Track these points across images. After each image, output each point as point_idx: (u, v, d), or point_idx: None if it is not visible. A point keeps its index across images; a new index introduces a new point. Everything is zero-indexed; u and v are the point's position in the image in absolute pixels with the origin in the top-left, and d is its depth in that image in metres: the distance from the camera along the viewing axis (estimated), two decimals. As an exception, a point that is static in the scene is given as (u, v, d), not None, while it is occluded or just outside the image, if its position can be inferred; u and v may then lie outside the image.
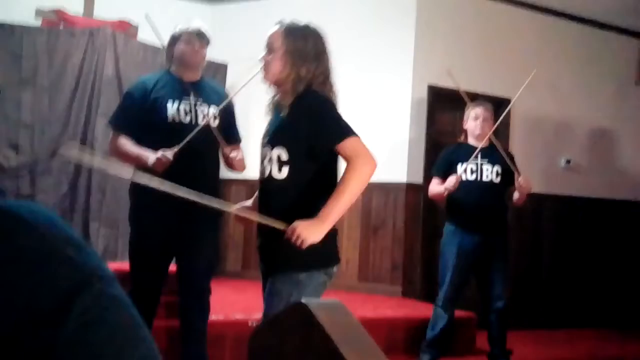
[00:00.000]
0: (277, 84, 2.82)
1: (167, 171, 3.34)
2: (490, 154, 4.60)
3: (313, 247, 2.53)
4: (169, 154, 3.40)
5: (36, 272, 0.54)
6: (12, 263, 0.53)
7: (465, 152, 4.58)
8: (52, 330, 0.53)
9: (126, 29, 6.18)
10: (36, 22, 6.06)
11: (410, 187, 6.05)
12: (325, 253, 2.67)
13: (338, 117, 2.74)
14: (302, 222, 2.52)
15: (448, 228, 4.64)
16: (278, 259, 2.70)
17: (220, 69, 6.40)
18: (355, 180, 2.61)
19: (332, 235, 2.66)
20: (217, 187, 3.79)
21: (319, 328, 0.89)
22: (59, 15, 6.09)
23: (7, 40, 5.73)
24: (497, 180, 4.58)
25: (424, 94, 6.13)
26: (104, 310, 0.57)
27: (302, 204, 2.63)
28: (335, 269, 2.72)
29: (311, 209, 2.56)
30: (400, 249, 6.04)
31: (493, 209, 4.57)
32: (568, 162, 6.86)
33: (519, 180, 4.51)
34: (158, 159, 3.40)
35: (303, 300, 0.95)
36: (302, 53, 2.82)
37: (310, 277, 2.63)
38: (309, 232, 2.50)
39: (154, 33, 3.86)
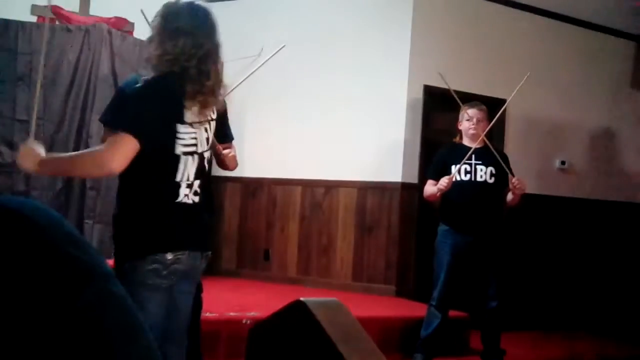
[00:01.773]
0: None
1: None
2: (485, 154, 4.61)
3: (133, 236, 2.56)
4: None
5: (38, 270, 0.54)
6: (14, 261, 0.53)
7: (459, 153, 4.59)
8: (55, 327, 0.53)
9: (122, 26, 6.17)
10: (32, 19, 6.05)
11: (405, 187, 6.06)
12: (148, 239, 2.57)
13: (115, 105, 2.65)
14: (27, 149, 2.63)
15: (442, 228, 4.65)
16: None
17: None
18: (83, 160, 2.63)
19: (151, 221, 2.58)
20: (209, 184, 3.79)
21: (318, 327, 0.89)
22: (55, 12, 6.07)
23: (3, 37, 5.72)
24: (492, 181, 4.59)
25: (419, 94, 6.13)
26: (105, 307, 0.57)
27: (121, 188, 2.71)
28: (170, 255, 2.55)
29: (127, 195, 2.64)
30: (395, 249, 6.05)
31: (487, 210, 4.58)
32: (563, 163, 6.88)
33: (513, 182, 4.52)
34: None
35: (302, 299, 0.95)
36: (156, 31, 2.67)
37: (134, 268, 2.53)
38: (24, 160, 2.61)
39: (150, 28, 3.85)
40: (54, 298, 0.54)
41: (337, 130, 6.29)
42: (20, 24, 5.80)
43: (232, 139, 3.85)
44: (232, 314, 4.51)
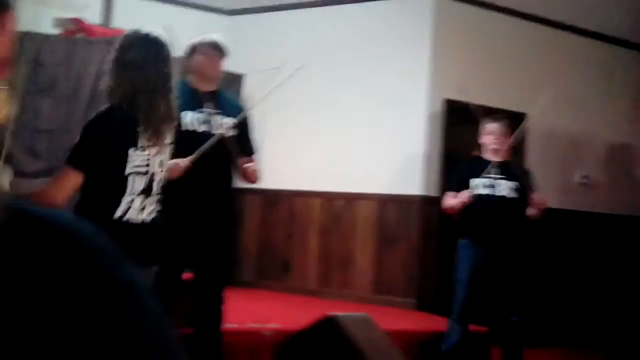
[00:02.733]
0: None
1: (182, 179, 3.36)
2: (506, 169, 4.59)
3: None
4: (184, 162, 3.41)
5: (76, 285, 0.54)
6: (49, 275, 0.54)
7: (480, 167, 4.58)
8: (94, 342, 0.54)
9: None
10: (55, 31, 6.11)
11: (425, 200, 6.04)
12: None
13: (75, 143, 2.84)
14: None
15: (462, 242, 4.63)
16: None
17: (236, 80, 6.42)
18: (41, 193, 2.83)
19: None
20: (232, 197, 3.82)
21: (349, 342, 0.89)
22: (77, 25, 6.13)
23: (26, 48, 5.78)
24: (513, 195, 4.56)
25: (440, 107, 6.13)
26: (141, 321, 0.57)
27: None
28: None
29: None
30: (415, 262, 6.03)
31: (507, 224, 4.55)
32: (583, 177, 6.83)
33: (534, 197, 4.50)
34: (174, 166, 3.42)
35: (332, 314, 0.95)
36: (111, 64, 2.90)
37: None
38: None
39: (173, 44, 3.89)
40: (93, 313, 0.54)
41: (357, 142, 6.29)
42: (44, 36, 5.86)
43: (254, 152, 3.87)
44: (252, 325, 4.51)
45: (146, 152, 2.87)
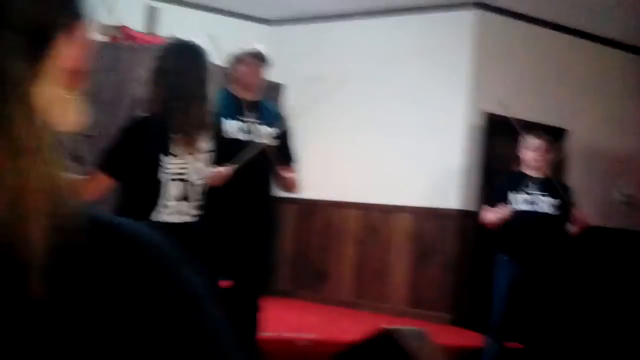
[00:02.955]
0: None
1: (222, 187, 3.39)
2: (547, 185, 4.55)
3: None
4: (226, 170, 3.44)
5: (148, 294, 0.55)
6: (125, 287, 0.55)
7: (520, 182, 4.54)
8: (166, 352, 0.55)
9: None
10: (100, 38, 6.20)
11: (463, 214, 6.00)
12: None
13: (107, 147, 2.94)
14: None
15: (500, 257, 4.60)
16: None
17: (277, 90, 6.46)
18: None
19: None
20: (271, 206, 3.84)
21: (406, 357, 0.89)
22: (122, 32, 6.23)
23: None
24: (553, 212, 4.51)
25: (479, 120, 6.10)
26: (210, 330, 0.58)
27: None
28: None
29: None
30: (451, 276, 5.99)
31: (547, 241, 4.51)
32: (625, 194, 6.73)
33: (576, 214, 4.45)
34: (216, 174, 3.46)
35: (388, 328, 0.95)
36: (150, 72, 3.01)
37: None
38: None
39: (216, 53, 3.93)
40: (164, 322, 0.55)
41: (395, 154, 6.29)
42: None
43: (293, 161, 3.89)
44: (287, 334, 4.52)
45: (180, 159, 2.92)
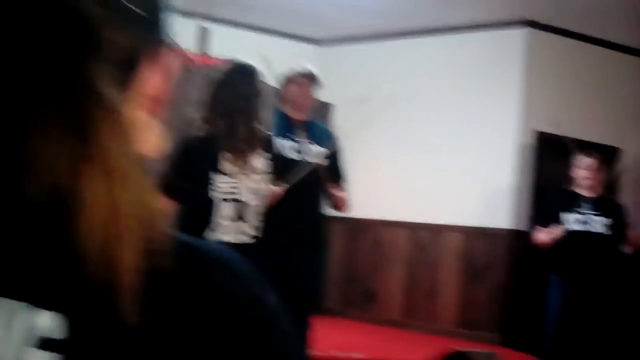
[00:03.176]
0: None
1: (274, 206, 3.42)
2: (600, 205, 4.48)
3: None
4: (278, 189, 3.48)
5: (234, 312, 0.57)
6: (213, 309, 0.56)
7: (572, 201, 4.48)
8: None
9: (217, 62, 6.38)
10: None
11: (514, 234, 5.95)
12: None
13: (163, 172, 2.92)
14: None
15: (552, 278, 4.53)
16: None
17: (326, 109, 6.51)
18: None
19: None
20: (321, 225, 3.86)
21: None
22: (177, 53, 6.33)
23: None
24: (606, 232, 4.44)
25: (530, 139, 6.05)
26: (288, 347, 0.60)
27: None
28: None
29: None
30: (502, 297, 5.93)
31: (601, 262, 4.43)
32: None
33: (631, 234, 4.37)
34: (267, 194, 3.49)
35: (461, 350, 0.95)
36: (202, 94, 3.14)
37: None
38: None
39: (268, 73, 3.99)
40: (247, 341, 0.57)
41: (445, 173, 6.27)
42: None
43: (342, 179, 3.91)
44: (336, 353, 4.52)
45: (232, 178, 2.97)
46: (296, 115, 3.83)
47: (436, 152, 6.33)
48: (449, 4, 5.92)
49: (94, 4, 0.56)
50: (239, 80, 3.02)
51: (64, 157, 0.52)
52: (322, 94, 5.41)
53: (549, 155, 6.01)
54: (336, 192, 3.72)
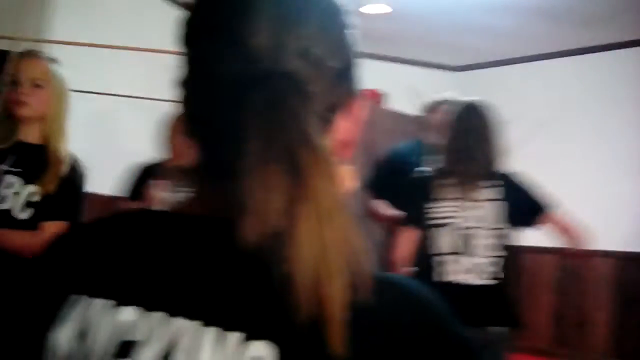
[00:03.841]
0: None
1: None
2: None
3: None
4: None
5: (429, 346, 0.61)
6: (410, 342, 0.60)
7: None
8: None
9: (376, 97, 6.47)
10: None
11: (670, 259, 5.65)
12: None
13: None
14: None
15: None
16: None
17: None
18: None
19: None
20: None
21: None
22: (365, 99, 6.51)
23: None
24: None
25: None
26: None
27: None
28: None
29: None
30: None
31: None
32: None
33: None
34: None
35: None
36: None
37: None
38: None
39: (413, 103, 4.04)
40: None
41: (593, 197, 6.05)
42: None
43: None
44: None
45: (450, 204, 2.97)
46: (441, 143, 3.83)
47: (582, 175, 6.13)
48: (587, 25, 5.77)
49: (303, 65, 0.63)
50: (464, 117, 3.09)
51: (281, 201, 0.58)
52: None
53: None
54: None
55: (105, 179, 3.62)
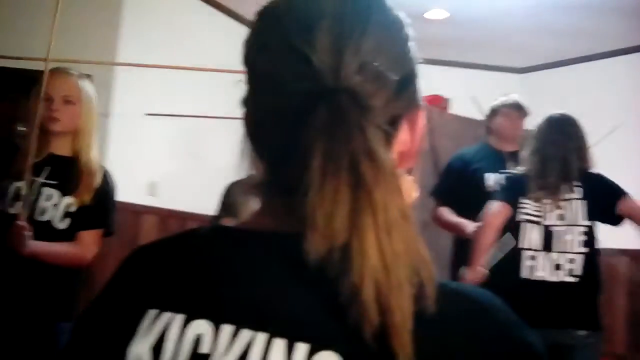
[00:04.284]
0: None
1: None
2: None
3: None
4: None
5: (498, 355, 0.61)
6: (476, 348, 0.60)
7: None
8: None
9: (439, 102, 6.43)
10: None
11: None
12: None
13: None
14: None
15: None
16: None
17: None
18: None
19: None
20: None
21: None
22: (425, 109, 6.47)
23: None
24: None
25: None
26: None
27: None
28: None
29: None
30: None
31: None
32: None
33: None
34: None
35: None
36: None
37: None
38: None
39: (478, 110, 4.01)
40: None
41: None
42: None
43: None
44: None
45: (537, 203, 3.09)
46: (505, 147, 3.79)
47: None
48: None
49: (363, 80, 0.64)
50: (549, 128, 3.20)
51: (346, 214, 0.59)
52: (529, 123, 5.32)
53: None
54: None
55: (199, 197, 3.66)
